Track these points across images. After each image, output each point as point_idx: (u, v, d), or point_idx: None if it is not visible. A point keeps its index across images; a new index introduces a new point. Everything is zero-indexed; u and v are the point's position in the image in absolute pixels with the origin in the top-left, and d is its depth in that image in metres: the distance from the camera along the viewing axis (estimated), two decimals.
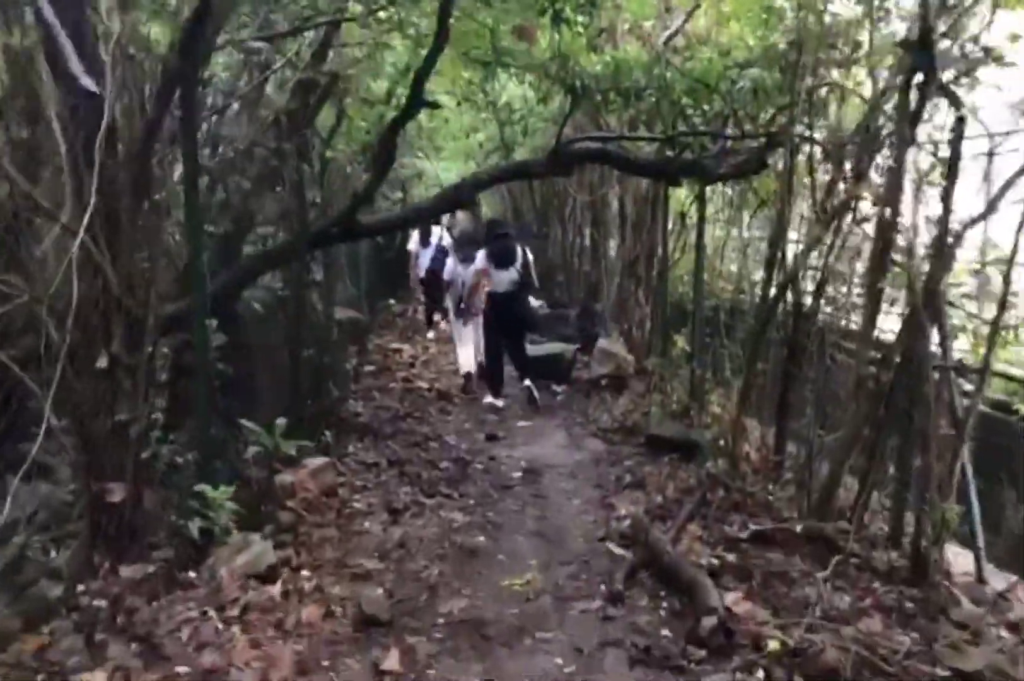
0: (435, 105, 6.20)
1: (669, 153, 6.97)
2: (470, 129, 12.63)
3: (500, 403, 8.94)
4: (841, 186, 5.47)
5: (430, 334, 12.93)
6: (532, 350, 10.24)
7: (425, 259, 12.45)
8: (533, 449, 7.34)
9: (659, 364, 8.65)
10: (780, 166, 6.63)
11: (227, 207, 6.86)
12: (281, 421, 4.84)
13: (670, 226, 8.82)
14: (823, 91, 6.03)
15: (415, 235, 13.97)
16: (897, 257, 4.79)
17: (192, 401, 4.79)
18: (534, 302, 9.82)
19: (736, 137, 6.43)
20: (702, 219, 7.67)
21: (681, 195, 8.91)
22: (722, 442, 6.44)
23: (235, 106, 7.14)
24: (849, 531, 4.99)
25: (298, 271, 6.57)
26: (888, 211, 4.65)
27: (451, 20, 5.90)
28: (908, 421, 4.78)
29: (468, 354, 9.59)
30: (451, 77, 10.97)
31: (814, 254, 5.71)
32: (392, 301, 15.75)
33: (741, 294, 7.92)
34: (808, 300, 5.73)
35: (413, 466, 6.62)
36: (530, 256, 9.00)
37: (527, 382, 8.95)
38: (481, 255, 8.77)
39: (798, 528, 5.18)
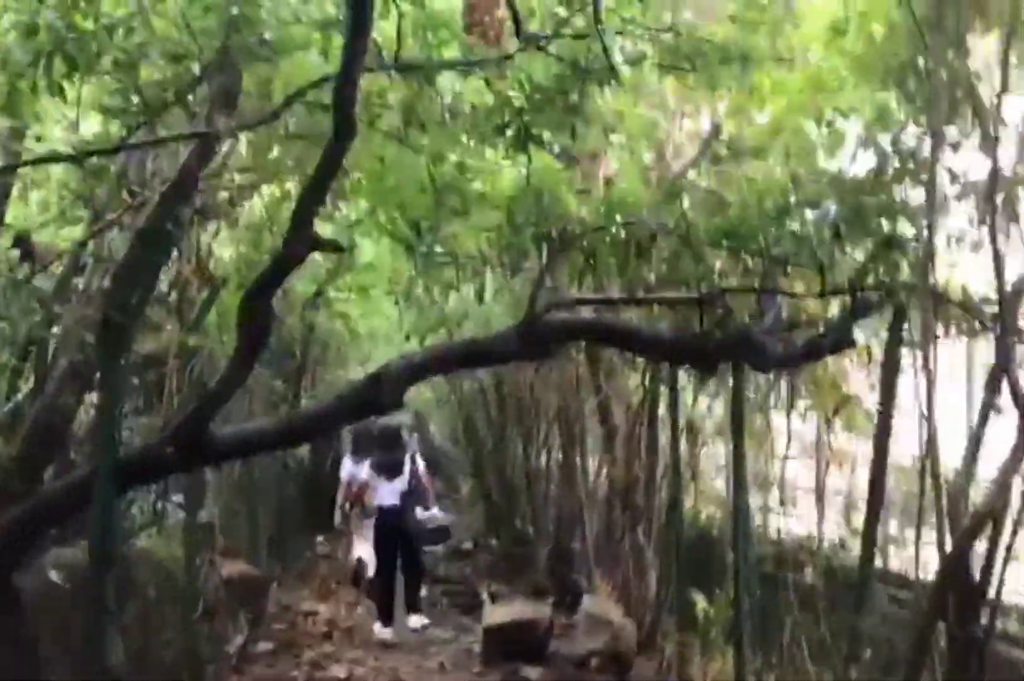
0: (335, 246, 3.87)
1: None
2: (414, 332, 10.46)
3: (389, 635, 7.67)
4: None
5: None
6: (492, 616, 7.47)
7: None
8: None
9: (680, 639, 5.90)
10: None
11: None
12: None
13: (681, 437, 6.36)
14: None
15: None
16: None
17: None
18: (436, 513, 8.95)
19: (807, 295, 4.17)
20: (739, 422, 5.24)
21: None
22: None
23: None
24: None
25: (102, 518, 3.88)
26: None
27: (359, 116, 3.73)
28: None
29: (365, 547, 8.75)
30: (389, 272, 9.19)
31: None
32: (320, 538, 12.86)
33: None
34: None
35: None
36: (420, 463, 8.62)
37: (417, 621, 7.98)
38: (365, 466, 8.35)
39: None
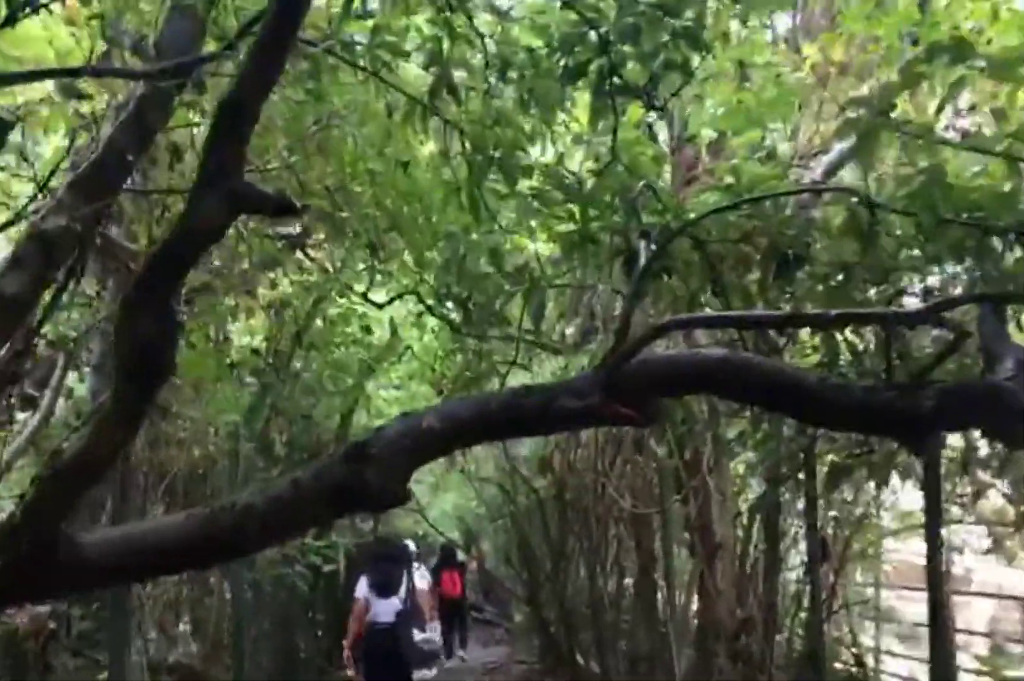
0: (278, 203, 2.23)
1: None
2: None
3: None
4: None
5: None
6: None
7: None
8: None
9: None
10: None
11: None
12: None
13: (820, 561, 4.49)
14: None
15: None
16: None
17: None
18: (419, 635, 8.20)
19: None
20: (934, 545, 3.37)
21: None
22: None
23: None
24: None
25: None
26: None
27: None
28: None
29: None
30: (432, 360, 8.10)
31: None
32: (349, 673, 10.94)
33: None
34: None
35: None
36: (416, 581, 8.21)
37: None
38: (362, 583, 7.83)
39: None
